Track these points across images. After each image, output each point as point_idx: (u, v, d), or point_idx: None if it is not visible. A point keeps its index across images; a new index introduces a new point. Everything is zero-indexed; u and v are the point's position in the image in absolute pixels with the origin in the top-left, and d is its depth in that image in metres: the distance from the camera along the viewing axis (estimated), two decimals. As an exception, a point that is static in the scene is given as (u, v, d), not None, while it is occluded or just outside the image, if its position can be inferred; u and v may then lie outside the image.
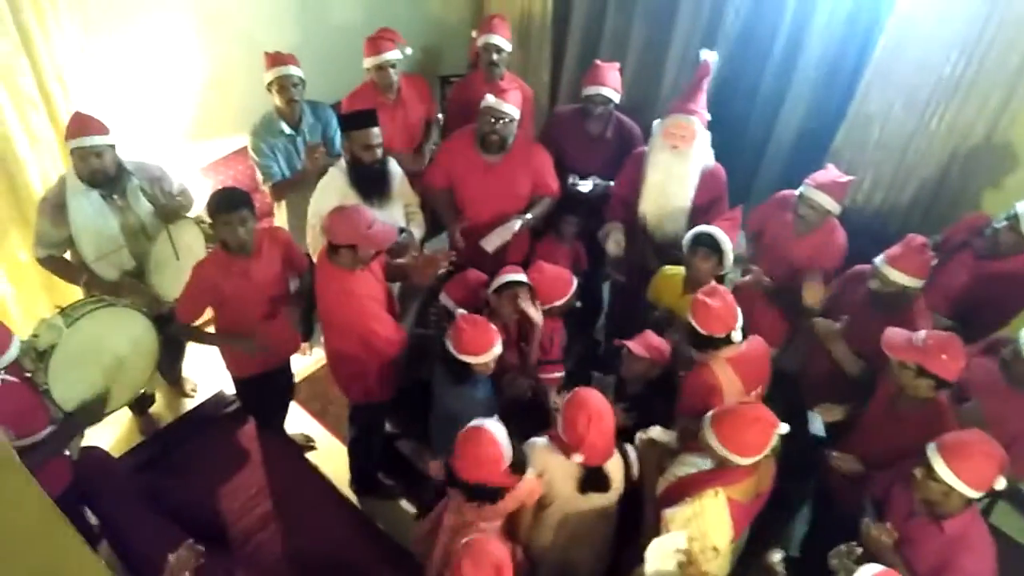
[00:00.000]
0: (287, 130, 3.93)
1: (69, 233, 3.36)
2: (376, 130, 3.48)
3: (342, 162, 3.61)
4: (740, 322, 2.84)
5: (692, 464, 2.65)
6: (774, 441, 2.47)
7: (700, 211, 3.69)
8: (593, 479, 2.68)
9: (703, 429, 2.51)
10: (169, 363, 4.17)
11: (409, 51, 4.15)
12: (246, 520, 3.27)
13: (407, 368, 3.41)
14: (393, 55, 4.00)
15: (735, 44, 4.50)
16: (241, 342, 3.32)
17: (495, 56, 4.19)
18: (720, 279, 3.38)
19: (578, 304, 3.41)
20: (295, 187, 3.95)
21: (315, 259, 3.38)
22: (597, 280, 4.49)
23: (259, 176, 4.00)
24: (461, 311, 3.04)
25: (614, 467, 2.72)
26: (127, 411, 4.08)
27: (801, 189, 3.38)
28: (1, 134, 3.61)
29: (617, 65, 4.00)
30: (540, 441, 2.75)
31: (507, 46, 4.22)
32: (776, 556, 2.52)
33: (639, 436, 2.87)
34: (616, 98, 3.93)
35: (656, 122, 3.68)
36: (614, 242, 3.78)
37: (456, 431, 2.53)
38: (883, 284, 3.03)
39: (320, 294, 3.18)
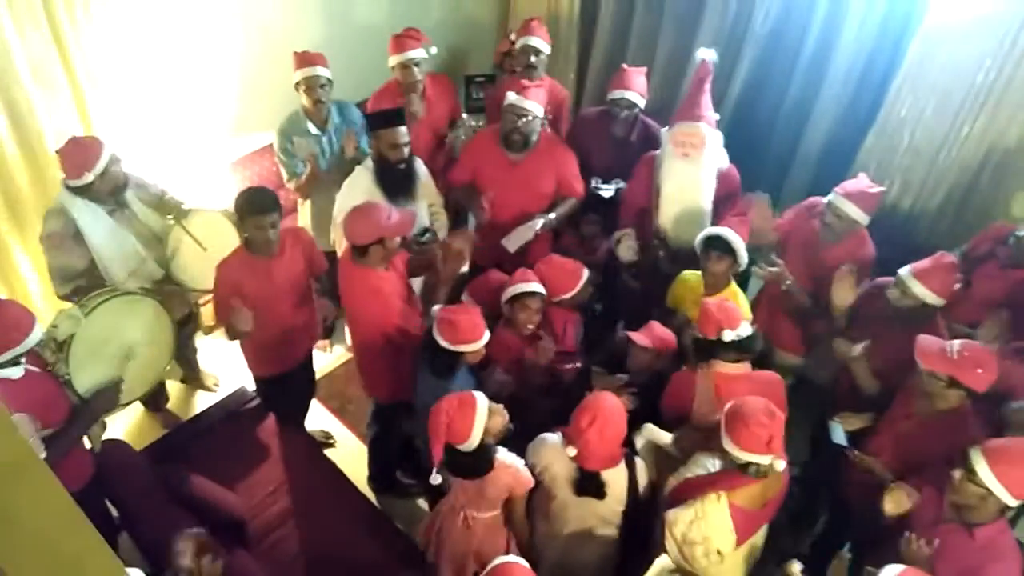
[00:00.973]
0: (313, 130, 3.95)
1: (90, 259, 3.31)
2: (403, 129, 3.50)
3: (369, 161, 3.63)
4: (739, 328, 2.78)
5: (702, 466, 2.63)
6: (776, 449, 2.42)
7: (718, 213, 3.64)
8: (588, 483, 2.66)
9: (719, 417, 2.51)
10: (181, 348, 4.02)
11: (434, 50, 4.15)
12: (264, 516, 3.29)
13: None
14: (417, 53, 4.00)
15: (764, 47, 4.45)
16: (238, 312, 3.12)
17: (533, 58, 4.18)
18: (742, 277, 3.33)
19: (597, 307, 3.37)
20: (322, 183, 3.96)
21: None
22: (617, 283, 4.45)
23: (284, 174, 4.03)
24: (436, 307, 3.03)
25: (614, 478, 2.69)
26: (145, 407, 4.13)
27: (830, 197, 3.31)
28: (31, 127, 3.66)
29: (644, 70, 3.97)
30: (552, 437, 2.77)
31: (546, 48, 4.21)
32: (796, 567, 2.49)
33: (638, 439, 2.87)
34: (641, 103, 3.91)
35: (664, 131, 3.64)
36: (626, 248, 3.73)
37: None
38: (903, 295, 2.96)
39: (346, 294, 3.19)
